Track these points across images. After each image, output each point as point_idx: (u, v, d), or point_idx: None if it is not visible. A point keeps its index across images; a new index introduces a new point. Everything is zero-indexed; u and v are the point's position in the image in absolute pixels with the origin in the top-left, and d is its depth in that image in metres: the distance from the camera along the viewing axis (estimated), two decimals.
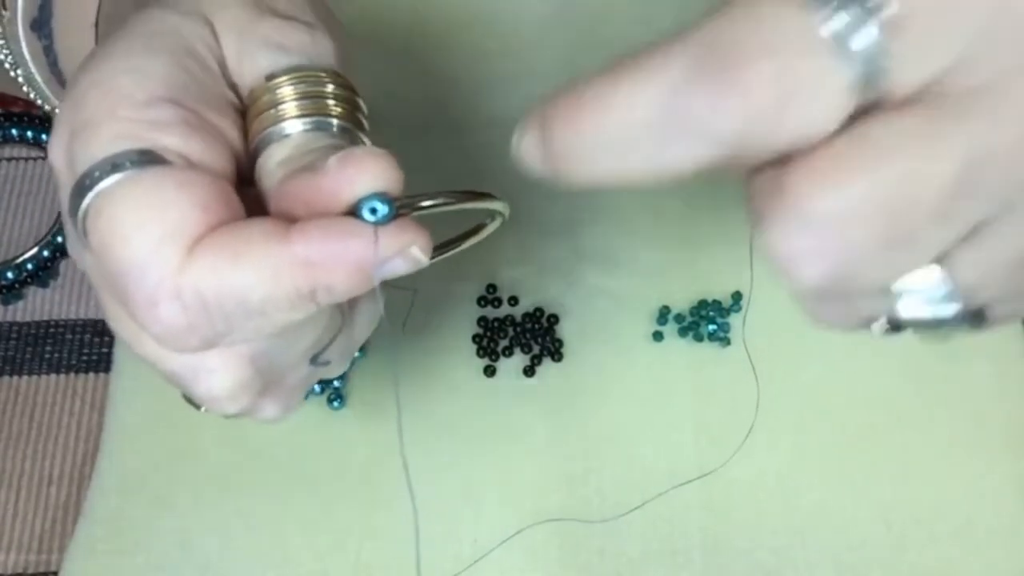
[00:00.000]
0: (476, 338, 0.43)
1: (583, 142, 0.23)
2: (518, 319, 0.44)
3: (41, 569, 0.40)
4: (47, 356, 0.44)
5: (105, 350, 0.44)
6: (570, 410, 0.42)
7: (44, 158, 0.49)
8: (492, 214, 0.31)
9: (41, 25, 0.36)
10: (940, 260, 0.21)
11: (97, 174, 0.24)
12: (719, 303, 0.44)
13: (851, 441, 0.41)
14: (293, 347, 0.27)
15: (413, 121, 0.48)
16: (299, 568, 0.40)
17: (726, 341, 0.43)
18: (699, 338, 0.43)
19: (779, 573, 0.39)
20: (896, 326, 0.23)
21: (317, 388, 0.42)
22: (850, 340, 0.43)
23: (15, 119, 0.48)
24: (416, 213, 0.25)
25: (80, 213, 0.24)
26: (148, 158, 0.24)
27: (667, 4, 0.50)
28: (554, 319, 0.44)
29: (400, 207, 0.25)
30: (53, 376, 0.44)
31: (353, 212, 0.24)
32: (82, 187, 0.24)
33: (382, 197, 0.24)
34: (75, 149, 0.25)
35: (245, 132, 0.27)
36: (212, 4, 0.28)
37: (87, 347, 0.44)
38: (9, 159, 0.49)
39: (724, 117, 0.19)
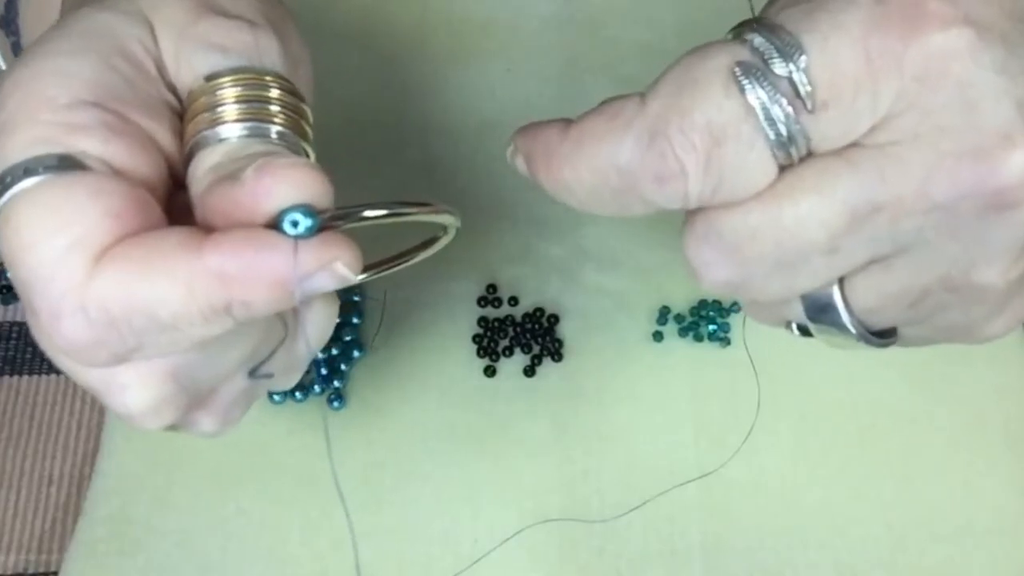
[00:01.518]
0: (476, 338, 0.43)
1: (557, 183, 0.27)
2: (518, 319, 0.44)
3: (41, 569, 0.40)
4: (47, 356, 0.44)
5: None
6: (570, 410, 0.42)
7: None
8: (443, 227, 0.30)
9: (8, 23, 0.35)
10: (840, 283, 0.24)
11: (9, 179, 0.23)
12: (719, 303, 0.44)
13: (851, 441, 0.41)
14: (220, 361, 0.26)
15: (413, 121, 0.48)
16: (299, 568, 0.40)
17: (726, 341, 0.43)
18: (699, 338, 0.43)
19: (779, 573, 0.39)
20: (806, 330, 0.27)
21: (317, 388, 0.42)
22: None
23: None
24: (351, 225, 0.24)
25: None
26: (66, 163, 0.23)
27: (667, 4, 0.50)
28: (554, 319, 0.44)
29: (332, 219, 0.24)
30: (53, 376, 0.44)
31: (276, 225, 0.23)
32: None
33: (304, 209, 0.23)
34: None
35: (182, 136, 0.26)
36: (151, 2, 0.26)
37: None
38: None
39: (665, 196, 0.25)
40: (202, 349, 0.25)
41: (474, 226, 0.43)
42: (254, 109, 0.25)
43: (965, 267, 0.23)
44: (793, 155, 0.22)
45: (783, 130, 0.22)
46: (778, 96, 0.22)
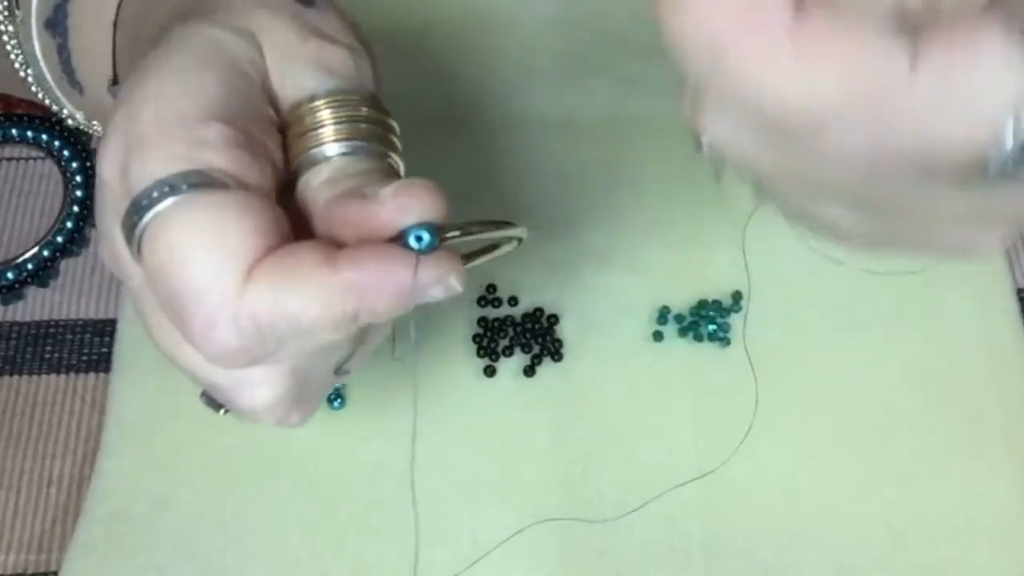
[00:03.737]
0: (476, 338, 0.43)
1: None
2: (518, 319, 0.44)
3: (41, 569, 0.40)
4: (47, 356, 0.44)
5: (105, 350, 0.44)
6: (570, 410, 0.42)
7: (44, 158, 0.49)
8: (510, 238, 0.32)
9: (56, 24, 0.36)
10: None
11: (155, 195, 0.25)
12: (719, 303, 0.44)
13: (851, 441, 0.41)
14: (327, 360, 0.29)
15: (412, 121, 0.48)
16: (299, 568, 0.40)
17: (726, 341, 0.43)
18: (699, 338, 0.43)
19: (779, 573, 0.39)
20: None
21: None
22: (850, 340, 0.43)
23: (15, 119, 0.48)
24: (450, 241, 0.27)
25: (136, 231, 0.25)
26: (203, 179, 0.25)
27: None
28: (554, 319, 0.44)
29: (447, 237, 0.26)
30: (53, 376, 0.44)
31: (397, 239, 0.25)
32: (138, 206, 0.25)
33: (428, 226, 0.25)
34: (130, 165, 0.25)
35: (284, 149, 0.28)
36: (258, 22, 0.28)
37: (87, 347, 0.44)
38: (9, 159, 0.49)
39: None
40: (319, 351, 0.27)
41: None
42: (352, 129, 0.28)
43: None
44: None
45: None
46: None
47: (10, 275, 0.46)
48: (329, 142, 0.28)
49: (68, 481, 0.42)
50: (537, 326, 0.43)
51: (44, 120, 0.48)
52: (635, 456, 0.41)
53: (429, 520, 0.40)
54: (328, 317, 0.25)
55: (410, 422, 0.42)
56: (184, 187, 0.25)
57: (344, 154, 0.28)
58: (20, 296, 0.46)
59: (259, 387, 0.27)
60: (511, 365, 0.43)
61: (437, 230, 0.26)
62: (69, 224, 0.47)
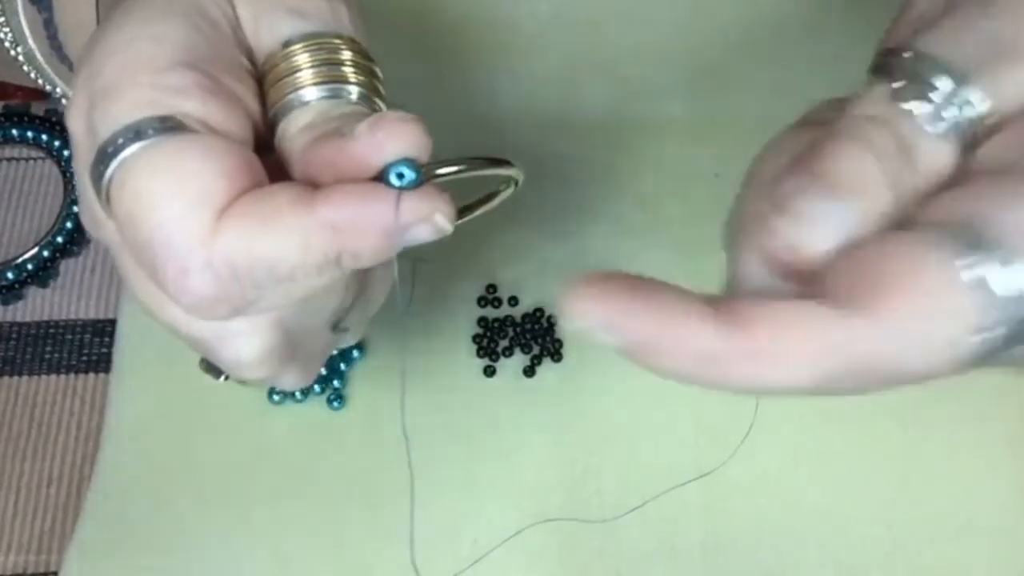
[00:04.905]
0: (476, 338, 0.43)
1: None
2: (518, 319, 0.44)
3: (41, 569, 0.40)
4: (47, 356, 0.44)
5: (105, 350, 0.44)
6: (570, 410, 0.42)
7: (44, 158, 0.49)
8: (508, 180, 0.31)
9: None
10: None
11: (121, 141, 0.24)
12: None
13: (851, 441, 0.41)
14: (318, 313, 0.28)
15: None
16: (299, 568, 0.40)
17: None
18: None
19: (779, 573, 0.39)
20: None
21: (317, 388, 0.42)
22: None
23: (15, 119, 0.48)
24: (437, 179, 0.25)
25: (104, 181, 0.24)
26: (170, 125, 0.24)
27: (667, 4, 0.50)
28: (554, 319, 0.44)
29: (431, 173, 0.25)
30: (53, 376, 0.44)
31: (379, 178, 0.24)
32: (104, 154, 0.24)
33: (409, 163, 0.24)
34: (95, 116, 0.25)
35: (262, 98, 0.27)
36: None
37: (87, 347, 0.44)
38: (9, 159, 0.49)
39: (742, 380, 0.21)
40: (305, 301, 0.26)
41: (474, 226, 0.43)
42: (332, 72, 0.26)
43: None
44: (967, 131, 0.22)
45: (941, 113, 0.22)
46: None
47: (10, 275, 0.46)
48: (307, 86, 0.26)
49: (68, 481, 0.42)
50: (537, 326, 0.43)
51: (44, 120, 0.48)
52: (635, 456, 0.41)
53: (429, 520, 0.40)
54: (308, 260, 0.24)
55: (410, 422, 0.42)
56: (150, 132, 0.24)
57: (324, 98, 0.26)
58: (20, 296, 0.46)
59: (244, 339, 0.26)
60: (511, 365, 0.43)
61: (420, 167, 0.24)
62: (69, 224, 0.47)
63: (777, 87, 0.48)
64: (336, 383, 0.42)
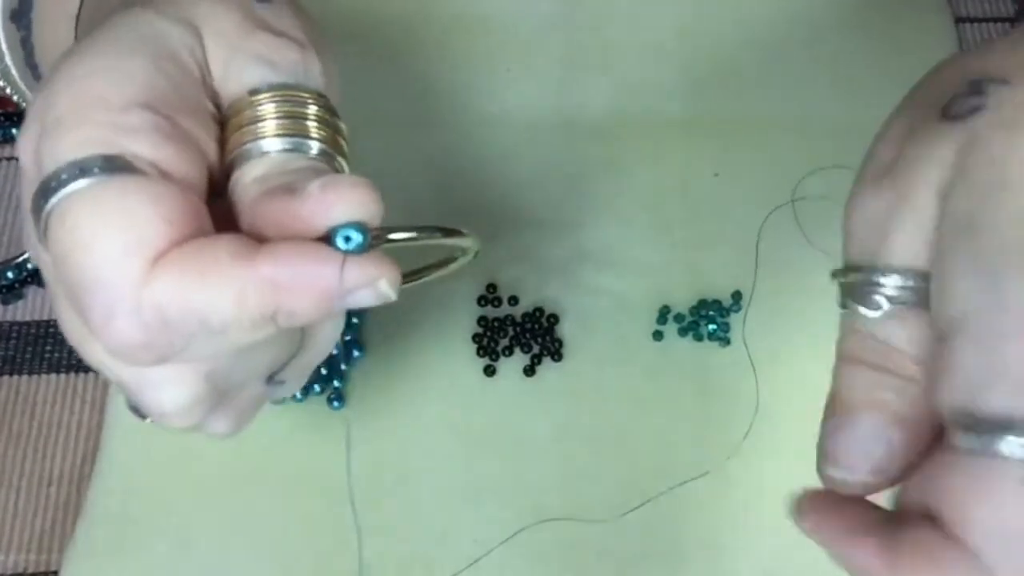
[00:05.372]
0: (476, 338, 0.43)
1: None
2: (518, 319, 0.44)
3: (41, 569, 0.40)
4: (47, 356, 0.44)
5: None
6: (570, 410, 0.42)
7: None
8: (464, 250, 0.31)
9: (21, 16, 0.35)
10: None
11: (64, 177, 0.23)
12: (719, 303, 0.43)
13: None
14: (249, 365, 0.27)
15: (412, 120, 0.48)
16: (299, 568, 0.40)
17: (726, 341, 0.43)
18: (699, 338, 0.43)
19: (779, 573, 0.39)
20: None
21: (317, 388, 0.42)
22: None
23: (15, 119, 0.48)
24: (387, 245, 0.25)
25: (43, 214, 0.24)
26: (117, 165, 0.23)
27: (667, 4, 0.50)
28: (554, 319, 0.44)
29: (373, 238, 0.24)
30: (53, 376, 0.44)
31: (326, 239, 0.24)
32: (47, 188, 0.23)
33: (358, 226, 0.24)
34: (43, 148, 0.24)
35: (222, 144, 0.27)
36: (202, 12, 0.27)
37: None
38: (9, 159, 0.49)
39: None
40: (237, 354, 0.25)
41: (474, 226, 0.43)
42: (296, 125, 0.26)
43: None
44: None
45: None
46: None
47: (10, 275, 0.46)
48: (268, 137, 0.26)
49: (68, 481, 0.42)
50: (537, 326, 0.43)
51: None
52: (635, 456, 0.41)
53: (429, 519, 0.40)
54: (242, 315, 0.23)
55: (410, 422, 0.42)
56: (95, 170, 0.23)
57: (284, 151, 0.26)
58: (20, 296, 0.46)
59: (166, 388, 0.25)
60: (511, 365, 0.43)
61: (369, 231, 0.24)
62: None
63: (777, 87, 0.48)
64: (336, 383, 0.42)
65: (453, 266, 0.31)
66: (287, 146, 0.26)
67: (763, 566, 0.39)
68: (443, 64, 0.49)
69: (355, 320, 0.43)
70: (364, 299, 0.24)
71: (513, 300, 0.44)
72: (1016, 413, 0.19)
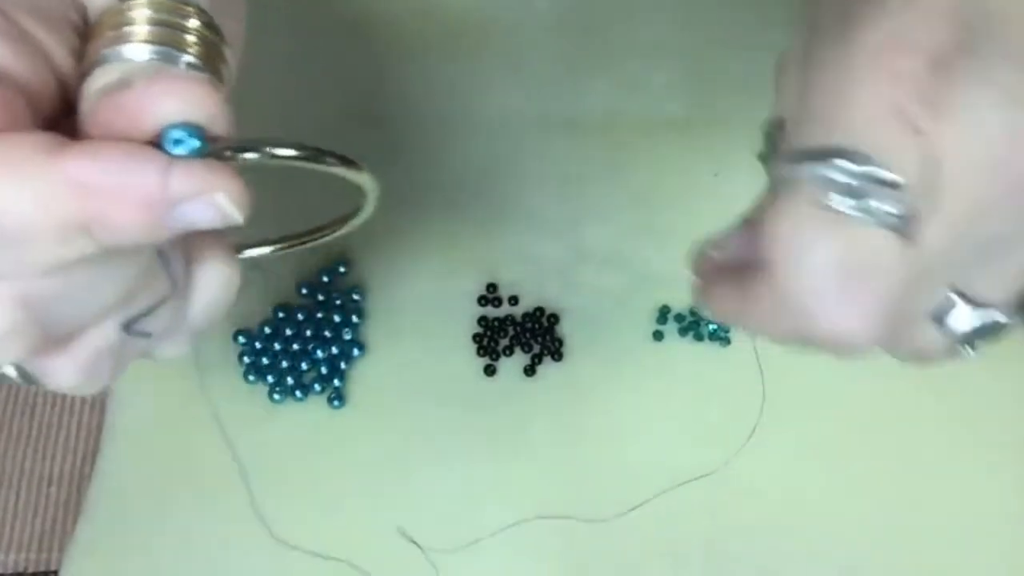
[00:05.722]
0: (476, 338, 0.43)
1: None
2: (518, 319, 0.43)
3: (41, 569, 0.40)
4: None
5: None
6: (570, 410, 0.42)
7: None
8: (361, 195, 0.26)
9: None
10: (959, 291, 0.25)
11: None
12: None
13: (852, 441, 0.41)
14: (84, 299, 0.23)
15: (412, 120, 0.48)
16: (299, 568, 0.40)
17: (726, 341, 0.43)
18: (699, 338, 0.43)
19: (779, 573, 0.39)
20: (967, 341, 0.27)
21: (317, 388, 0.42)
22: None
23: None
24: (247, 160, 0.22)
25: None
26: None
27: (667, 4, 0.50)
28: (554, 319, 0.44)
29: (227, 150, 0.21)
30: None
31: (158, 143, 0.21)
32: None
33: (192, 129, 0.20)
34: None
35: (82, 57, 0.24)
36: None
37: None
38: None
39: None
40: (62, 279, 0.22)
41: (474, 225, 0.43)
42: (167, 34, 0.23)
43: None
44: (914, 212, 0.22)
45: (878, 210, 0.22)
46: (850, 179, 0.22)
47: None
48: (134, 42, 0.22)
49: (68, 481, 0.42)
50: (537, 326, 0.43)
51: None
52: (635, 456, 0.41)
53: (429, 518, 0.40)
54: (44, 221, 0.20)
55: (411, 421, 0.42)
56: None
57: (152, 60, 0.22)
58: None
59: None
60: (511, 365, 0.43)
61: (207, 137, 0.21)
62: None
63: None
64: (336, 383, 0.42)
65: (351, 224, 0.28)
66: (153, 56, 0.22)
67: (763, 566, 0.39)
68: (443, 64, 0.49)
69: (355, 320, 0.43)
70: (200, 215, 0.21)
71: (513, 300, 0.44)
72: (814, 144, 0.22)
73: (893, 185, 0.22)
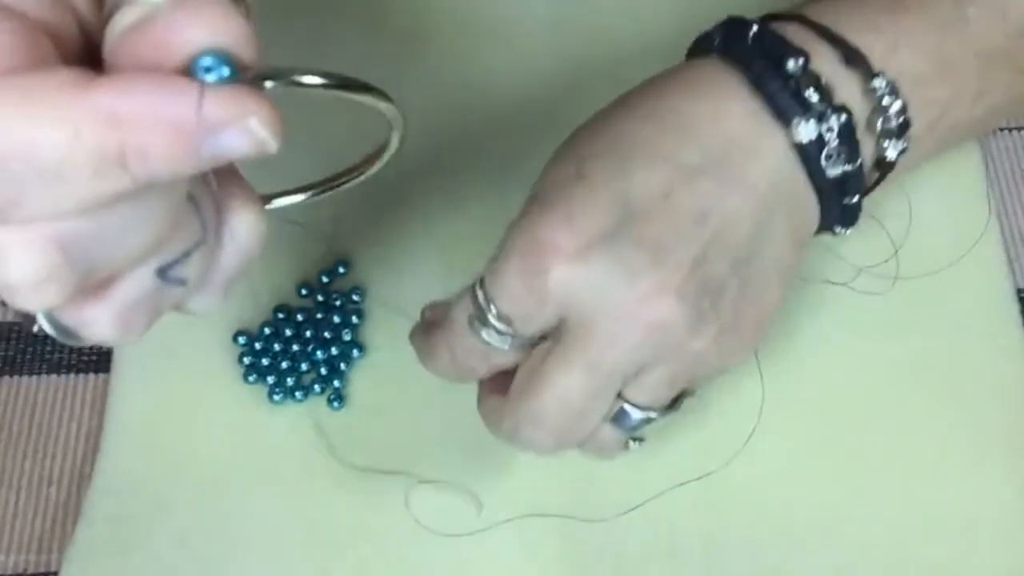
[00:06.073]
0: None
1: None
2: None
3: (41, 569, 0.40)
4: (47, 356, 0.44)
5: (105, 350, 0.44)
6: None
7: None
8: (387, 126, 0.27)
9: None
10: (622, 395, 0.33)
11: None
12: None
13: (851, 441, 0.41)
14: (118, 240, 0.23)
15: (412, 121, 0.48)
16: (299, 568, 0.40)
17: None
18: None
19: (779, 573, 0.39)
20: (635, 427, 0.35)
21: (317, 388, 0.42)
22: (850, 341, 0.43)
23: None
24: (274, 87, 0.22)
25: None
26: None
27: (667, 4, 0.50)
28: None
29: (257, 78, 0.21)
30: (53, 376, 0.44)
31: (188, 73, 0.20)
32: None
33: (222, 56, 0.20)
34: None
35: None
36: None
37: (87, 347, 0.44)
38: None
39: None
40: (97, 219, 0.22)
41: (474, 225, 0.43)
42: None
43: (669, 354, 0.32)
44: (525, 344, 0.33)
45: (496, 339, 0.33)
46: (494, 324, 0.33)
47: None
48: None
49: (68, 481, 0.42)
50: None
51: None
52: (635, 456, 0.41)
53: (429, 517, 0.40)
54: (80, 154, 0.20)
55: (410, 422, 0.42)
56: None
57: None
58: None
59: (10, 253, 0.21)
60: None
61: (238, 65, 0.21)
62: None
63: None
64: (336, 383, 0.42)
65: (380, 160, 0.28)
66: None
67: (763, 566, 0.39)
68: (443, 65, 0.49)
69: (355, 320, 0.43)
70: (235, 144, 0.21)
71: None
72: (489, 286, 0.33)
73: (509, 327, 0.32)
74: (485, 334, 0.33)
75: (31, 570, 0.40)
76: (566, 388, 0.32)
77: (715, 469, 0.41)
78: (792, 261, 0.34)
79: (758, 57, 0.33)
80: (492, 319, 0.32)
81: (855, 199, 0.34)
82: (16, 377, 0.44)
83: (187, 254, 0.25)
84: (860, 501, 0.40)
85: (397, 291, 0.44)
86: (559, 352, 0.32)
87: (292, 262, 0.44)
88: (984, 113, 0.37)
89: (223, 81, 0.20)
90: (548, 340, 0.33)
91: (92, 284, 0.23)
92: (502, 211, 0.39)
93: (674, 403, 0.35)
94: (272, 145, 0.21)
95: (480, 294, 0.33)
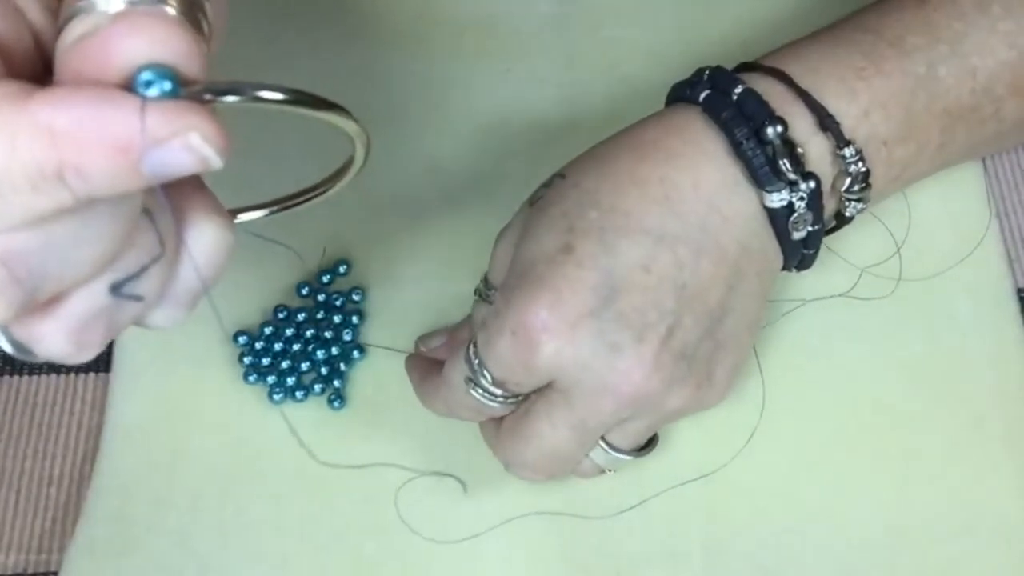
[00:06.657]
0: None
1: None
2: None
3: (41, 569, 0.40)
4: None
5: (105, 350, 0.44)
6: None
7: None
8: (350, 143, 0.26)
9: None
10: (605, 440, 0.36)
11: None
12: None
13: (852, 442, 0.41)
14: (68, 256, 0.22)
15: (412, 121, 0.48)
16: (299, 568, 0.40)
17: None
18: None
19: (779, 573, 0.39)
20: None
21: (317, 388, 0.42)
22: (851, 341, 0.43)
23: None
24: (229, 103, 0.21)
25: None
26: None
27: (667, 4, 0.50)
28: None
29: (204, 92, 0.21)
30: (53, 376, 0.44)
31: (130, 87, 0.20)
32: None
33: (163, 70, 0.20)
34: None
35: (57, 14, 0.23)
36: None
37: None
38: None
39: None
40: (42, 234, 0.21)
41: (474, 225, 0.43)
42: None
43: (650, 408, 0.35)
44: (513, 399, 0.35)
45: (489, 399, 0.35)
46: (487, 386, 0.35)
47: None
48: None
49: (68, 481, 0.42)
50: None
51: None
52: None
53: (429, 516, 0.40)
54: (15, 168, 0.19)
55: (410, 422, 0.42)
56: None
57: (129, 5, 0.21)
58: None
59: None
60: None
61: (179, 79, 0.20)
62: None
63: None
64: (336, 383, 0.42)
65: (344, 179, 0.27)
66: (127, 4, 0.21)
67: (763, 567, 0.39)
68: (443, 65, 0.49)
69: (355, 320, 0.43)
70: (177, 160, 0.20)
71: None
72: (483, 347, 0.35)
73: (502, 389, 0.35)
74: (478, 394, 0.35)
75: (31, 570, 0.40)
76: (553, 441, 0.35)
77: (715, 469, 0.41)
78: (761, 314, 0.37)
79: (739, 121, 0.34)
80: (485, 383, 0.35)
81: (812, 251, 0.36)
82: (16, 377, 0.44)
83: (143, 269, 0.24)
84: (860, 501, 0.40)
85: (397, 291, 0.44)
86: (545, 408, 0.35)
87: (291, 263, 0.44)
88: (943, 162, 0.39)
89: (165, 95, 0.20)
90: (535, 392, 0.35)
91: (43, 300, 0.23)
92: (502, 211, 0.39)
93: (648, 444, 0.38)
94: (216, 161, 0.21)
95: (475, 360, 0.35)
